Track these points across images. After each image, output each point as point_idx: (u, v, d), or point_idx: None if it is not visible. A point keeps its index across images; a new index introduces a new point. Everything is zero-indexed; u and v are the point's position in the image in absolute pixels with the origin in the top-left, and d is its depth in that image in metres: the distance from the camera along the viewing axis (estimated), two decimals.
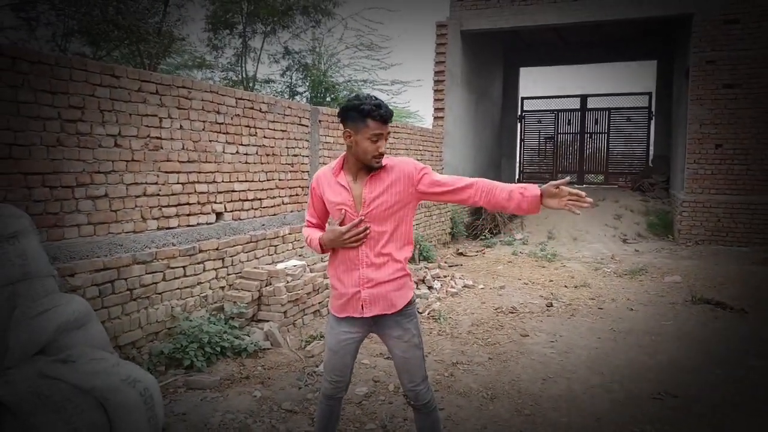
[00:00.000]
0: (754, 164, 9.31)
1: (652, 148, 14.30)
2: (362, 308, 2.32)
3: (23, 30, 8.61)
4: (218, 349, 4.10)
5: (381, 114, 2.20)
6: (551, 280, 7.26)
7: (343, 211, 2.30)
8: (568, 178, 2.33)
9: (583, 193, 2.24)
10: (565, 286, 6.92)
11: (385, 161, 2.30)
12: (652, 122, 14.27)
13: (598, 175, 15.15)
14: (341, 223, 2.30)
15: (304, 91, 14.62)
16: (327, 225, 2.46)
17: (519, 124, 15.65)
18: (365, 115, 2.19)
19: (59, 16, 8.49)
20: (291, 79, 14.77)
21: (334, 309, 2.41)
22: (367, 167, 2.29)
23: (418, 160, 8.89)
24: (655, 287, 6.85)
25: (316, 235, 2.40)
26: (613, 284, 7.06)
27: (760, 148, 9.26)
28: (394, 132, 8.30)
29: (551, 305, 5.99)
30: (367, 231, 2.26)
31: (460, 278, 7.06)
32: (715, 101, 9.45)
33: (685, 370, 4.18)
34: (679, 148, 10.83)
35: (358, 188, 2.30)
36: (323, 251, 2.39)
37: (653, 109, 14.23)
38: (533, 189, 2.23)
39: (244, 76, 14.04)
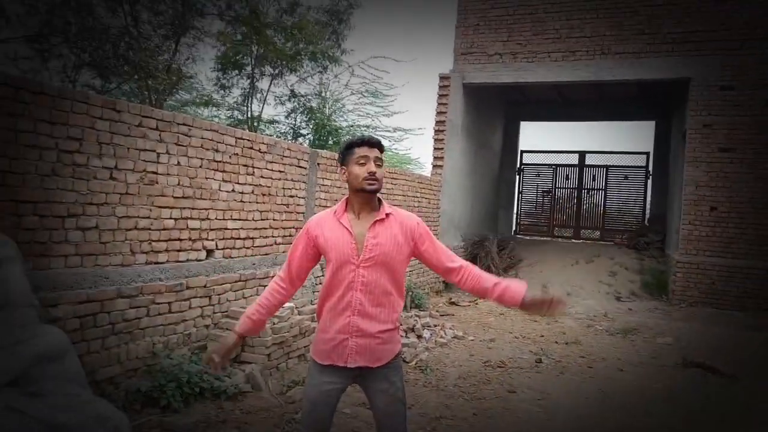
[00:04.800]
0: (749, 228, 9.34)
1: (648, 206, 14.39)
2: (347, 358, 2.26)
3: (36, 61, 8.79)
4: (197, 389, 4.02)
5: (364, 139, 2.29)
6: (542, 335, 7.18)
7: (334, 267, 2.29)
8: (553, 298, 2.25)
9: (565, 303, 2.22)
10: (556, 342, 6.84)
11: (390, 210, 2.32)
12: (649, 181, 14.41)
13: (594, 230, 15.18)
14: (337, 268, 2.28)
15: (307, 134, 14.84)
16: (304, 280, 2.47)
17: (518, 177, 15.78)
18: (352, 146, 2.29)
19: (72, 49, 8.69)
20: (295, 121, 15.03)
21: (317, 355, 2.34)
22: (369, 209, 2.30)
23: (415, 206, 9.00)
24: (646, 348, 6.77)
25: (240, 320, 2.44)
26: (604, 342, 6.98)
27: (755, 212, 9.31)
28: (393, 178, 8.37)
29: (541, 361, 5.90)
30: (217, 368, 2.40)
31: (450, 328, 6.99)
32: (711, 164, 9.56)
33: None
34: (674, 209, 10.90)
35: (361, 230, 2.27)
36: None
37: (650, 168, 14.39)
38: (517, 291, 2.25)
39: (249, 115, 14.27)
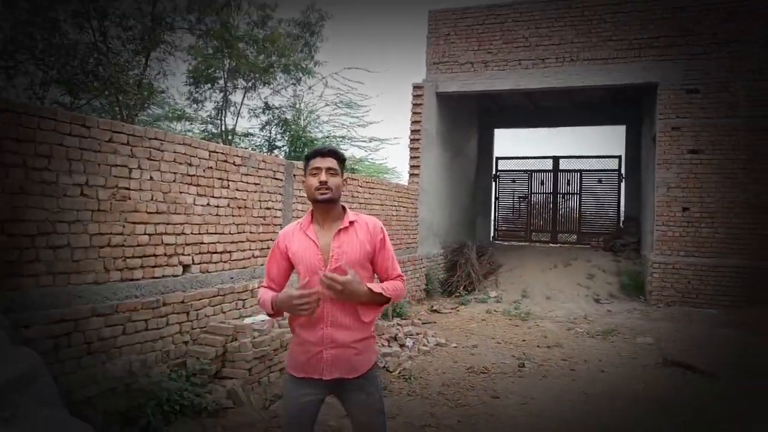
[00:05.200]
0: (720, 227, 9.55)
1: (622, 209, 14.62)
2: (323, 370, 2.23)
3: (0, 78, 8.61)
4: (177, 407, 3.93)
5: (317, 150, 2.34)
6: (524, 340, 7.21)
7: (306, 279, 2.26)
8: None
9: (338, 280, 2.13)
10: (538, 346, 6.87)
11: (354, 218, 2.32)
12: (623, 184, 14.65)
13: (570, 234, 15.36)
14: (306, 286, 2.23)
15: (283, 146, 14.78)
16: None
17: (494, 183, 15.92)
18: (307, 159, 2.36)
19: (38, 66, 8.53)
20: (270, 133, 14.96)
21: (292, 368, 2.32)
22: (332, 218, 2.31)
23: (393, 215, 9.00)
24: (626, 348, 6.84)
25: (269, 296, 2.30)
26: (585, 345, 7.04)
27: (725, 211, 9.52)
28: (370, 188, 8.36)
29: (523, 366, 5.92)
30: (318, 303, 2.17)
31: (432, 336, 6.97)
32: (681, 165, 9.77)
33: None
34: (648, 211, 11.09)
35: (327, 240, 2.28)
36: (274, 314, 2.30)
37: (623, 171, 14.64)
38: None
39: (223, 129, 14.17)
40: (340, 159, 2.35)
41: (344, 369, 2.24)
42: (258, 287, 5.60)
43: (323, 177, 2.26)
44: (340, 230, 2.28)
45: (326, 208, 2.30)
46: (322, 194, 2.25)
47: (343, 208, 2.37)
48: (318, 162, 2.29)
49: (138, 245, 4.24)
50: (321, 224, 2.32)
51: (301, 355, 2.28)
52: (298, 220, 2.41)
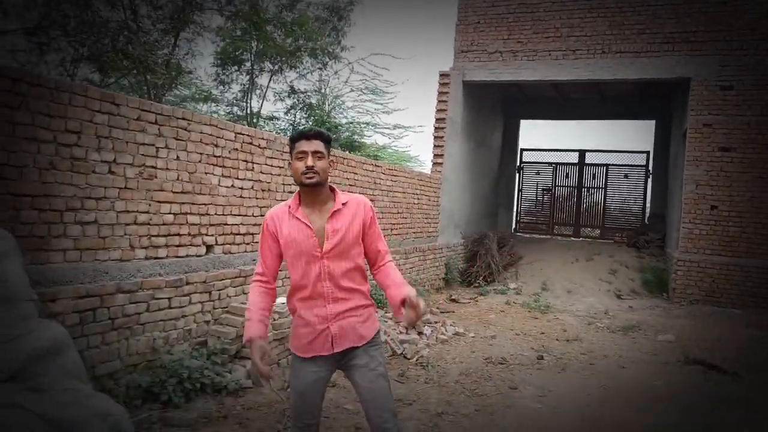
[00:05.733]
0: (749, 227, 9.33)
1: (648, 205, 14.38)
2: (332, 344, 2.27)
3: (34, 54, 8.74)
4: (198, 385, 3.99)
5: (302, 133, 2.29)
6: (543, 333, 7.16)
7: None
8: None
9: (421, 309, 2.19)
10: (557, 340, 6.82)
11: (344, 198, 2.34)
12: (649, 180, 14.40)
13: (594, 229, 15.18)
14: (301, 263, 2.28)
15: None
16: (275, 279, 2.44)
17: (517, 175, 15.77)
18: (292, 141, 2.31)
19: (70, 43, 8.63)
20: (295, 117, 15.00)
21: (298, 349, 2.33)
22: (322, 201, 2.31)
23: (415, 203, 8.98)
24: (647, 345, 6.75)
25: (251, 326, 2.29)
26: (605, 340, 6.96)
27: (755, 211, 9.30)
28: (393, 175, 8.34)
29: (542, 358, 5.88)
30: (269, 380, 2.29)
31: (451, 325, 6.96)
32: (711, 163, 9.55)
33: None
34: (675, 207, 10.88)
35: (319, 223, 2.28)
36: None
37: (650, 167, 14.38)
38: (394, 296, 2.29)
39: (248, 111, 14.23)
40: (326, 140, 2.32)
41: (352, 338, 2.29)
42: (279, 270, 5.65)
43: (309, 161, 2.22)
44: (334, 212, 2.29)
45: (314, 191, 2.29)
46: (309, 179, 2.23)
47: (332, 189, 2.37)
48: (304, 145, 2.25)
49: (163, 224, 4.29)
50: (311, 207, 2.31)
51: (308, 336, 2.30)
52: (285, 202, 2.39)
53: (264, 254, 2.40)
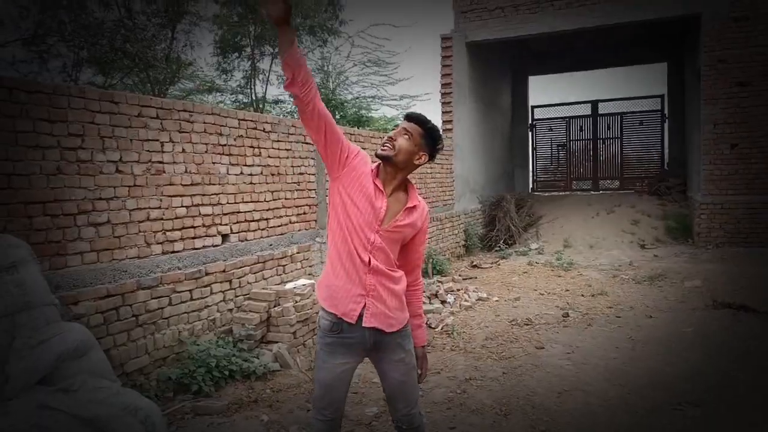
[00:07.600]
0: None
1: (666, 151, 14.09)
2: (364, 317, 2.16)
3: (35, 63, 8.78)
4: (226, 372, 4.05)
5: (407, 114, 2.35)
6: (567, 290, 7.12)
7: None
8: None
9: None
10: (582, 295, 6.77)
11: (417, 200, 2.29)
12: (666, 125, 14.07)
13: (613, 180, 14.94)
14: (357, 223, 2.17)
15: None
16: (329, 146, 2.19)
17: (530, 133, 15.53)
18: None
19: (69, 47, 8.64)
20: None
21: (327, 300, 2.21)
22: (398, 187, 2.27)
23: (428, 173, 8.90)
24: (674, 293, 6.67)
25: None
26: (631, 291, 6.90)
27: None
28: None
29: (567, 315, 5.85)
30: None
31: (474, 291, 6.95)
32: (728, 100, 9.28)
33: (706, 378, 4.02)
34: (694, 150, 10.64)
35: (395, 206, 2.23)
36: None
37: (666, 111, 14.03)
38: (419, 338, 2.43)
39: (253, 97, 14.18)
40: (423, 126, 2.26)
41: (383, 322, 2.19)
42: (297, 253, 5.67)
43: (393, 134, 2.25)
44: (408, 208, 2.25)
45: (387, 169, 2.24)
46: (382, 148, 2.22)
47: (409, 183, 2.32)
48: (403, 124, 2.28)
49: (176, 218, 4.31)
50: (384, 183, 2.24)
51: (339, 290, 2.19)
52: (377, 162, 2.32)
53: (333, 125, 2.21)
